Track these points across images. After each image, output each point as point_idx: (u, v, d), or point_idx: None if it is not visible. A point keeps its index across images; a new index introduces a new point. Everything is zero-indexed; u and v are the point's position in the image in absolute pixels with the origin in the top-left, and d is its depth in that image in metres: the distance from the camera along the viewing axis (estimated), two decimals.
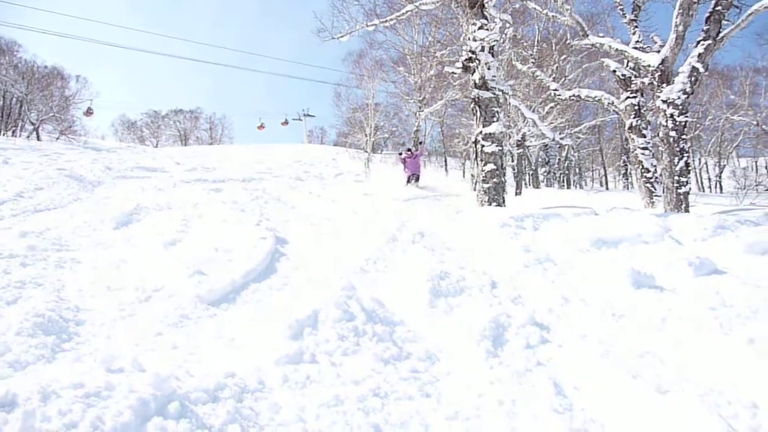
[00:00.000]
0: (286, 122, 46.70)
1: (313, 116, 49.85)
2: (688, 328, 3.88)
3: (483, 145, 10.29)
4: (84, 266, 5.67)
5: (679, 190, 10.09)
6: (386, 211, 9.48)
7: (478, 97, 10.42)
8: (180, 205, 9.53)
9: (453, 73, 11.49)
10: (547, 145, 35.01)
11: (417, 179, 17.20)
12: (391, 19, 12.99)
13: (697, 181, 39.52)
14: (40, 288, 4.80)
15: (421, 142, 20.09)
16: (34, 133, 32.01)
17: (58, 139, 31.82)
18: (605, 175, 48.32)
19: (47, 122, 33.45)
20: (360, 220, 8.81)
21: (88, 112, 37.17)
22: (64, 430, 2.28)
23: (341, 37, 12.92)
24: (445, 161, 40.36)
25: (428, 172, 21.70)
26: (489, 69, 10.34)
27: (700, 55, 9.86)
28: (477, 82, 10.45)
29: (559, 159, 43.06)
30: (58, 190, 10.64)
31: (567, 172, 44.92)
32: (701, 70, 9.89)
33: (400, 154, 18.30)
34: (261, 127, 46.90)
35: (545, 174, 39.83)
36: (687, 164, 10.19)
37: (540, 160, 38.28)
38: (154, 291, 4.92)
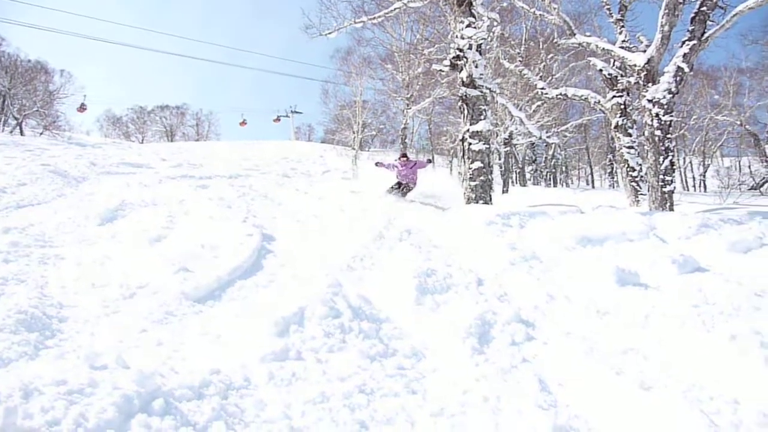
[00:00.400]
0: (278, 119, 46.25)
1: (301, 113, 49.56)
2: (671, 326, 3.93)
3: (470, 143, 10.31)
4: (68, 263, 5.61)
5: (663, 189, 10.18)
6: (373, 209, 9.47)
7: (465, 95, 10.44)
8: (165, 201, 9.46)
9: (441, 70, 11.49)
10: (534, 143, 35.26)
11: (407, 190, 12.79)
12: (379, 16, 12.95)
13: (681, 180, 39.93)
14: (23, 284, 4.75)
15: (430, 161, 15.12)
16: (18, 128, 31.57)
17: (41, 134, 31.37)
18: (591, 174, 48.66)
19: (31, 117, 32.99)
20: (347, 217, 8.79)
21: (82, 107, 36.74)
22: (47, 428, 2.26)
23: (329, 33, 12.85)
24: (433, 159, 40.45)
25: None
26: (476, 67, 10.36)
27: (685, 55, 9.94)
28: (464, 80, 10.47)
29: (545, 157, 43.35)
30: (42, 185, 10.53)
31: (553, 170, 45.23)
32: (686, 70, 9.98)
33: (377, 163, 13.77)
34: (243, 123, 46.40)
35: (532, 172, 40.13)
36: (672, 163, 10.29)
37: (527, 158, 38.52)
38: (139, 288, 4.89)
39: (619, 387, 3.28)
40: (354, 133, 27.86)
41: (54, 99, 35.30)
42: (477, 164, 10.24)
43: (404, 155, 13.42)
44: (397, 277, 5.23)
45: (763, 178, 27.68)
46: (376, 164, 13.75)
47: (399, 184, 12.75)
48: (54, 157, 15.71)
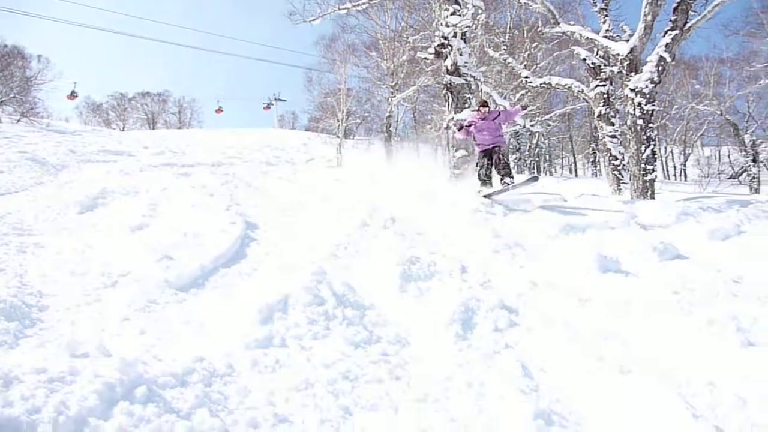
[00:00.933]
0: (267, 107, 45.63)
1: (285, 101, 48.77)
2: (651, 311, 3.98)
3: (455, 131, 10.32)
4: (47, 251, 5.55)
5: (645, 178, 10.29)
6: (357, 197, 9.44)
7: (450, 83, 10.45)
8: (147, 189, 9.37)
9: (425, 58, 11.50)
10: (517, 132, 35.33)
11: (501, 162, 8.14)
12: (364, 3, 12.89)
13: (662, 168, 40.31)
14: (1, 273, 4.69)
15: (525, 106, 9.71)
16: None
17: (19, 121, 30.78)
18: (574, 163, 48.93)
19: (7, 104, 32.32)
20: (331, 205, 8.77)
21: (72, 95, 36.07)
22: (27, 416, 2.24)
23: (313, 20, 12.78)
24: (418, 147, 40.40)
25: (403, 159, 19.61)
26: (461, 55, 10.36)
27: (667, 44, 10.02)
28: (449, 68, 10.47)
29: (529, 146, 43.45)
30: (20, 173, 10.39)
31: (537, 159, 45.41)
32: (668, 59, 10.06)
33: (457, 124, 9.25)
34: (219, 110, 45.28)
35: (516, 161, 40.21)
36: (653, 152, 10.40)
37: (511, 146, 38.64)
38: (121, 276, 4.85)
39: (600, 372, 3.32)
40: (338, 121, 27.67)
41: (31, 85, 34.55)
42: (461, 152, 10.29)
43: (484, 103, 8.78)
44: (381, 264, 5.24)
45: (742, 167, 28.06)
46: (458, 126, 8.95)
47: (485, 155, 8.40)
48: (32, 145, 15.46)
